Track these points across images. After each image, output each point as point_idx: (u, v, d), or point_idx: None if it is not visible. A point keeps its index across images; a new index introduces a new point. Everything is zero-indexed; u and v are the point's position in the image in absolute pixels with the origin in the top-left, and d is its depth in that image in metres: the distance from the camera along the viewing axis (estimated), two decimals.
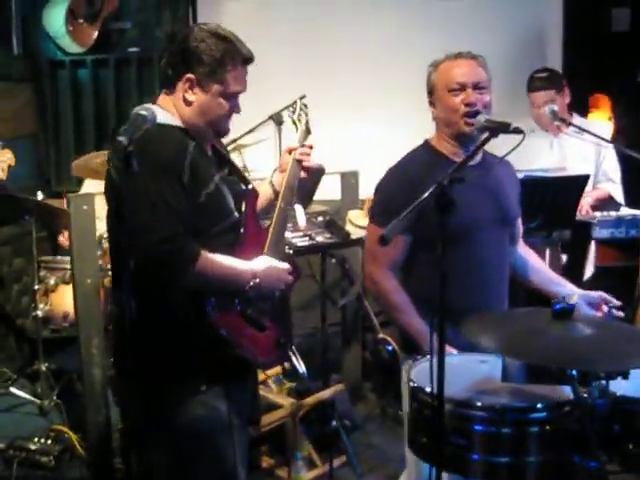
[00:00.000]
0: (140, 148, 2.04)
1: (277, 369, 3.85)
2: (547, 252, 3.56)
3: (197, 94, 2.12)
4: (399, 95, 4.62)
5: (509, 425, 1.84)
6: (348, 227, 3.81)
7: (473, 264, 2.41)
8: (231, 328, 2.12)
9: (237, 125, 4.09)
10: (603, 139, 3.69)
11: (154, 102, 2.18)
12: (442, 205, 1.71)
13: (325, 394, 3.61)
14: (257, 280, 2.13)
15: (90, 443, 3.34)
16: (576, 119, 3.97)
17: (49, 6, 5.06)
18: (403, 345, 2.53)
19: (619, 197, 3.91)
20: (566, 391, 1.86)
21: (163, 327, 2.11)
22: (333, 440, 3.57)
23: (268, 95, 4.50)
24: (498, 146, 2.30)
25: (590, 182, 3.89)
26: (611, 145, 3.86)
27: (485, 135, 2.18)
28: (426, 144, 2.52)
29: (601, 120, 5.11)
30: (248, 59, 2.17)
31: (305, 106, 2.62)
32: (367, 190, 3.22)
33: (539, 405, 1.83)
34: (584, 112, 4.82)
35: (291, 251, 3.35)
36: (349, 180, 4.19)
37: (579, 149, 3.91)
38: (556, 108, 3.69)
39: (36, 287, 3.86)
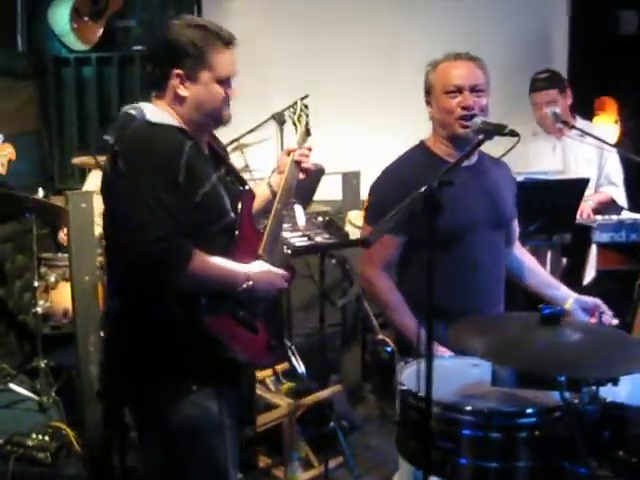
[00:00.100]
0: (135, 147, 2.04)
1: (278, 367, 3.86)
2: (548, 255, 3.55)
3: (189, 87, 2.11)
4: (402, 95, 4.60)
5: (497, 430, 1.83)
6: (348, 227, 3.81)
7: (468, 265, 2.41)
8: (222, 330, 2.11)
9: (239, 124, 4.15)
10: (606, 142, 3.66)
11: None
12: (430, 207, 1.70)
13: (323, 394, 3.60)
14: (250, 283, 2.13)
15: (87, 440, 3.35)
16: (579, 122, 3.95)
17: (54, 4, 5.08)
18: (399, 346, 2.53)
19: (621, 201, 3.88)
20: (556, 396, 1.84)
21: (153, 327, 2.10)
22: (330, 441, 3.56)
23: (270, 95, 4.52)
24: (497, 149, 2.29)
25: (592, 185, 3.88)
26: (614, 149, 3.83)
27: (480, 137, 2.17)
28: (421, 145, 2.51)
29: (607, 123, 5.09)
30: (229, 41, 2.14)
31: (306, 107, 2.60)
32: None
33: (528, 410, 1.82)
34: (590, 115, 4.80)
35: (289, 251, 3.34)
36: (350, 180, 4.18)
37: (582, 152, 3.89)
38: (558, 110, 3.67)
39: (36, 284, 3.86)
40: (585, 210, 3.61)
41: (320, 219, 3.68)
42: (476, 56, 2.45)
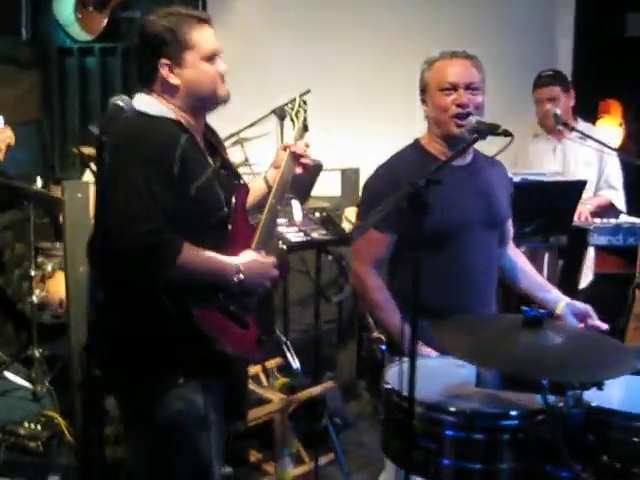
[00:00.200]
0: (128, 139, 2.04)
1: (272, 362, 3.86)
2: (545, 257, 3.54)
3: (178, 74, 2.12)
4: (402, 92, 4.57)
5: (480, 431, 1.81)
6: (345, 224, 3.80)
7: (459, 265, 2.40)
8: (212, 323, 2.11)
9: (240, 119, 4.15)
10: (607, 146, 3.64)
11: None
12: (416, 206, 1.69)
13: (315, 391, 3.59)
14: (241, 275, 2.12)
15: (78, 430, 3.35)
16: (581, 124, 3.93)
17: None
18: (389, 345, 2.52)
19: (620, 205, 3.86)
20: (540, 399, 1.83)
21: (141, 318, 2.10)
22: (322, 437, 3.56)
23: (271, 89, 4.50)
24: (492, 148, 2.28)
25: (592, 189, 3.87)
26: (614, 152, 3.81)
27: (473, 136, 2.16)
28: (416, 143, 2.50)
29: (611, 126, 5.07)
30: (203, 19, 2.16)
31: (304, 103, 2.60)
32: None
33: (511, 412, 1.81)
34: (593, 117, 4.78)
35: (285, 246, 3.34)
36: (349, 177, 4.18)
37: (582, 155, 3.87)
38: (559, 112, 3.65)
39: (33, 273, 3.87)
40: (583, 213, 3.59)
41: (317, 215, 3.67)
42: (472, 54, 2.43)
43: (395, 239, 2.40)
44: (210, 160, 2.23)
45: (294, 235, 3.44)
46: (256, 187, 2.45)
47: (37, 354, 3.89)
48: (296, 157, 2.41)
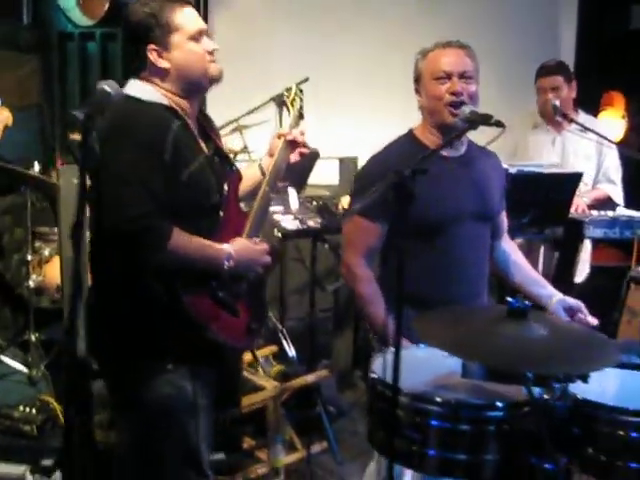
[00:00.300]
0: (120, 123, 2.05)
1: (266, 350, 3.87)
2: (541, 249, 3.53)
3: (167, 57, 2.13)
4: (402, 83, 4.56)
5: (465, 422, 1.81)
6: (342, 212, 3.79)
7: (450, 257, 2.39)
8: (202, 310, 2.12)
9: (239, 106, 4.14)
10: (606, 139, 3.62)
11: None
12: (401, 196, 1.68)
13: (309, 379, 3.60)
14: (232, 261, 2.13)
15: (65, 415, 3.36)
16: (581, 116, 3.90)
17: None
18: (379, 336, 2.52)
19: (618, 199, 3.83)
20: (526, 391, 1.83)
21: (132, 304, 2.12)
22: (315, 425, 3.57)
23: (271, 77, 4.49)
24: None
25: (590, 182, 3.85)
26: (614, 145, 3.78)
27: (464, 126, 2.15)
28: (409, 134, 2.49)
29: (614, 118, 5.04)
30: (184, 0, 2.17)
31: (301, 91, 2.61)
32: None
33: (495, 404, 1.80)
34: (595, 109, 4.76)
35: (280, 234, 3.34)
36: (347, 166, 4.17)
37: (582, 147, 3.85)
38: (558, 102, 3.63)
39: (29, 258, 3.88)
40: (580, 206, 3.57)
41: (314, 203, 3.67)
42: (466, 44, 2.42)
43: (386, 229, 2.39)
44: (203, 146, 2.23)
45: (290, 223, 3.45)
46: (251, 174, 2.45)
47: (33, 338, 3.91)
48: (291, 145, 2.41)
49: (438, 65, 2.38)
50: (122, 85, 2.14)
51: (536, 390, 1.80)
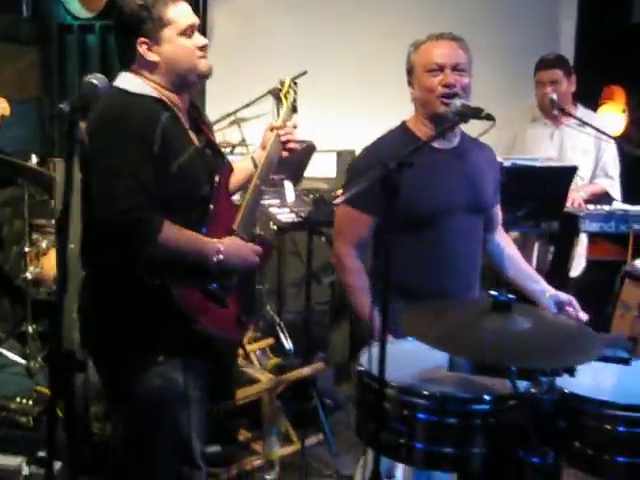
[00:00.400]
0: (108, 117, 2.06)
1: (263, 343, 3.88)
2: (536, 243, 3.53)
3: (157, 51, 2.13)
4: (400, 76, 4.56)
5: (452, 415, 1.81)
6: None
7: (441, 249, 2.39)
8: (191, 302, 2.12)
9: (238, 99, 4.13)
10: (605, 134, 3.60)
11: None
12: (387, 189, 1.68)
13: (304, 371, 3.60)
14: (221, 257, 2.13)
15: (68, 407, 3.37)
16: (580, 110, 3.88)
17: None
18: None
19: (615, 194, 3.81)
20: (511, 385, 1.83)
21: (122, 297, 2.13)
22: (311, 418, 3.58)
23: (270, 70, 4.46)
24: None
25: (587, 176, 3.84)
26: (612, 140, 3.77)
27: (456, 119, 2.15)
28: (402, 125, 2.49)
29: (614, 112, 5.02)
30: None
31: (295, 84, 2.61)
32: None
33: (482, 397, 1.80)
34: (595, 104, 4.74)
35: (275, 227, 3.35)
36: (345, 158, 4.17)
37: (580, 142, 3.83)
38: (555, 96, 3.62)
39: (27, 249, 3.89)
40: (577, 200, 3.56)
41: (311, 196, 3.67)
42: (459, 36, 2.42)
43: (377, 221, 2.39)
44: (194, 139, 2.24)
45: (286, 216, 3.44)
46: (243, 167, 2.46)
47: (31, 330, 3.92)
48: (282, 142, 2.40)
49: (430, 57, 2.37)
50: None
51: (523, 384, 1.81)
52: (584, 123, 3.60)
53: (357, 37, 4.92)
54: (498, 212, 2.64)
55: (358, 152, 4.12)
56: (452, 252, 2.40)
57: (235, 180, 2.40)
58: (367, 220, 2.37)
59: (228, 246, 2.16)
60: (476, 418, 1.81)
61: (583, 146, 3.83)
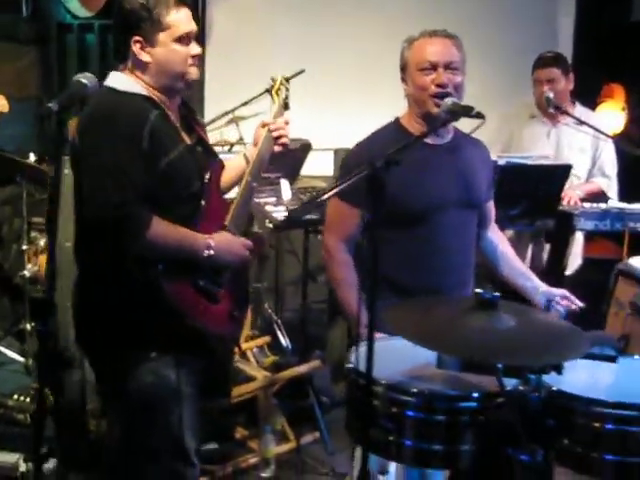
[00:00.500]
0: (98, 116, 2.08)
1: (260, 341, 3.88)
2: (531, 241, 3.53)
3: (149, 52, 2.14)
4: (398, 76, 4.57)
5: (440, 412, 1.82)
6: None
7: (434, 245, 2.39)
8: (182, 297, 2.13)
9: (237, 97, 4.14)
10: (602, 132, 3.60)
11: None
12: (373, 187, 1.68)
13: (301, 369, 3.61)
14: (211, 252, 2.14)
15: (64, 404, 3.39)
16: (578, 109, 3.88)
17: None
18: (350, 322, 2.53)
19: (612, 193, 3.80)
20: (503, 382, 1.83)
21: (113, 293, 2.14)
22: (308, 415, 3.59)
23: (269, 69, 4.47)
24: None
25: (584, 175, 3.83)
26: (610, 139, 3.76)
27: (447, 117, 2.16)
28: (396, 122, 2.50)
29: (614, 110, 5.01)
30: (182, 0, 2.17)
31: (287, 81, 2.61)
32: None
33: (470, 394, 1.81)
34: (594, 102, 4.73)
35: (271, 225, 3.35)
36: (342, 157, 4.15)
37: (577, 141, 3.82)
38: (552, 95, 3.61)
39: (24, 248, 3.90)
40: (573, 198, 3.56)
41: (307, 194, 3.67)
42: (452, 34, 2.41)
43: (367, 216, 2.39)
44: (186, 137, 2.25)
45: (280, 214, 3.44)
46: (236, 164, 2.46)
47: (29, 328, 3.93)
48: (275, 135, 2.41)
49: (424, 55, 2.37)
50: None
51: (511, 381, 1.81)
52: (581, 122, 3.60)
53: (356, 36, 4.91)
54: (491, 208, 2.64)
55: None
56: (445, 248, 2.40)
57: (228, 177, 2.41)
58: (357, 214, 2.38)
59: (219, 241, 2.17)
60: (464, 415, 1.82)
61: (580, 145, 3.83)
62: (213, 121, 4.30)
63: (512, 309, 1.77)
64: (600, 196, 3.73)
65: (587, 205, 3.54)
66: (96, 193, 2.04)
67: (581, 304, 2.37)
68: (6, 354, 4.04)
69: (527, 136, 3.88)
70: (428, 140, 2.38)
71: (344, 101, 4.82)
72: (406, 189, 2.29)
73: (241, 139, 4.35)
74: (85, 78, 1.73)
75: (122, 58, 2.18)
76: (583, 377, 1.95)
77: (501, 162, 3.00)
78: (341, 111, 4.77)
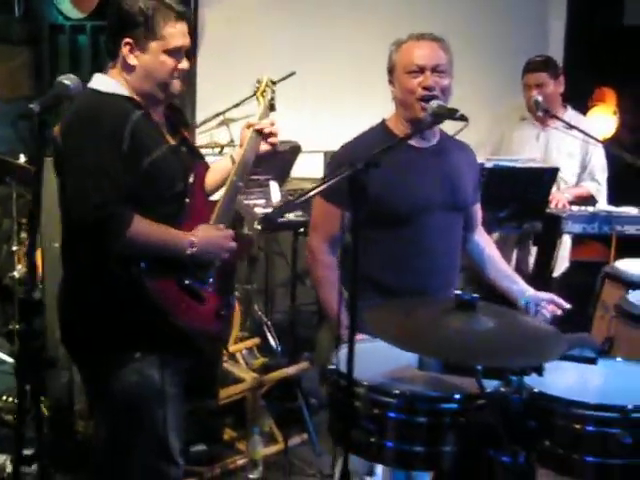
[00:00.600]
0: (79, 117, 2.09)
1: (250, 342, 3.88)
2: (519, 244, 3.53)
3: (138, 56, 2.14)
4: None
5: (421, 414, 1.82)
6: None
7: (419, 247, 2.40)
8: (166, 296, 2.13)
9: (228, 98, 4.14)
10: (591, 137, 3.60)
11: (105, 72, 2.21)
12: (353, 189, 1.69)
13: (289, 371, 3.61)
14: (195, 249, 2.14)
15: (52, 404, 3.38)
16: (569, 112, 3.89)
17: None
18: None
19: (601, 198, 3.81)
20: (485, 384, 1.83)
21: (96, 293, 2.14)
22: (296, 417, 3.59)
23: (260, 70, 4.48)
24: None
25: (573, 180, 3.84)
26: (599, 144, 3.77)
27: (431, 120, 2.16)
28: (382, 123, 2.51)
29: (605, 114, 5.02)
30: (181, 13, 2.17)
31: (273, 83, 2.61)
32: None
33: (451, 396, 1.81)
34: (585, 106, 4.74)
35: (259, 227, 3.36)
36: None
37: (566, 145, 3.83)
38: (540, 98, 3.62)
39: (14, 248, 3.89)
40: (561, 201, 3.57)
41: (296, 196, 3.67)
42: (439, 37, 2.42)
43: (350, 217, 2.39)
44: (170, 138, 2.25)
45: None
46: (222, 166, 2.46)
47: (18, 328, 3.92)
48: (264, 135, 2.41)
49: (411, 58, 2.38)
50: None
51: (493, 383, 1.82)
52: (570, 126, 3.60)
53: (348, 38, 4.92)
54: (478, 211, 2.65)
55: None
56: (430, 250, 2.40)
57: (214, 179, 2.41)
58: (340, 214, 2.37)
59: (201, 237, 2.16)
60: (446, 417, 1.82)
61: (568, 149, 3.83)
62: (204, 123, 4.31)
63: (491, 311, 1.77)
64: (589, 200, 3.74)
65: (575, 208, 3.55)
66: (80, 195, 2.04)
67: (568, 306, 2.38)
68: None
69: (517, 138, 3.90)
70: (414, 143, 2.39)
71: (335, 103, 4.83)
72: (391, 190, 2.30)
73: (232, 141, 4.36)
74: (68, 79, 1.73)
75: (113, 55, 2.18)
76: (565, 379, 1.95)
77: (489, 165, 3.01)
78: (332, 113, 4.78)
